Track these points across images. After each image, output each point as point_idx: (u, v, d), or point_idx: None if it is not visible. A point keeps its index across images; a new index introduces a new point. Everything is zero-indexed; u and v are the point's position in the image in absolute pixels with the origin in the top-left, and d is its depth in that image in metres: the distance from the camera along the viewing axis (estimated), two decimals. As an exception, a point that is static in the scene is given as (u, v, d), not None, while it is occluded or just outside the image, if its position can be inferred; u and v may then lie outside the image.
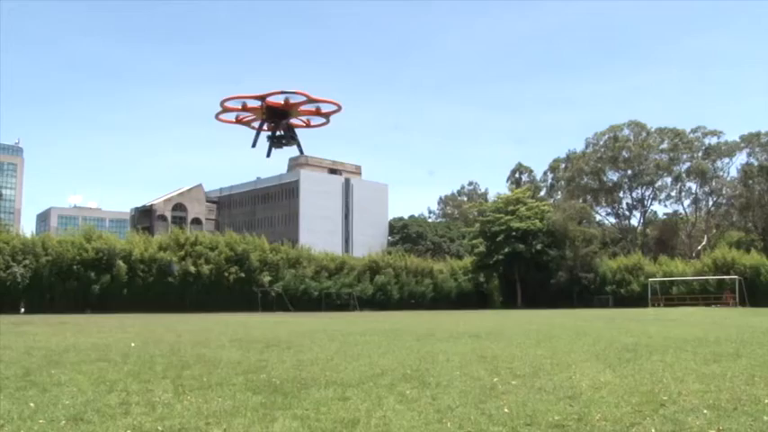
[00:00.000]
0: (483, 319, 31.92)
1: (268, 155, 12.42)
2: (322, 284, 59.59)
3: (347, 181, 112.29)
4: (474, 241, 72.02)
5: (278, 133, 12.21)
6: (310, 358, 12.11)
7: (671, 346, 14.48)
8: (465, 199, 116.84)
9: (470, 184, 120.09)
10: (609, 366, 10.74)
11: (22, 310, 43.06)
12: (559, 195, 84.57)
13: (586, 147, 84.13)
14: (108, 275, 49.25)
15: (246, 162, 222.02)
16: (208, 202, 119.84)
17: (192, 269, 53.19)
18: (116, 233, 71.16)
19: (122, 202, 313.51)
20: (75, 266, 48.29)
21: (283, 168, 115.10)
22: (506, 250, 64.79)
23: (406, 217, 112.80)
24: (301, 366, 10.80)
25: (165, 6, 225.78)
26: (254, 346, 14.89)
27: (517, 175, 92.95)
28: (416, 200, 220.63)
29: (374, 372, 10.08)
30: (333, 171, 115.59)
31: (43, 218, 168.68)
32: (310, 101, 11.77)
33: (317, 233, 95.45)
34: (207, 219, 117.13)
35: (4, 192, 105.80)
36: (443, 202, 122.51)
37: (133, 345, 15.05)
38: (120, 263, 49.97)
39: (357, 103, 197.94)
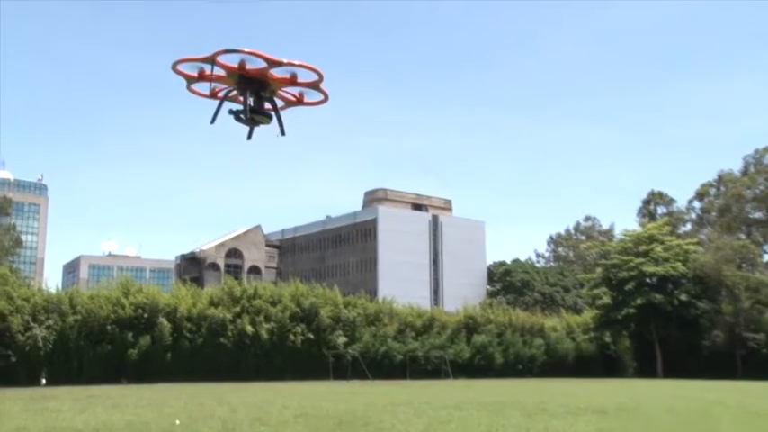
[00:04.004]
0: (610, 391, 30.99)
1: (249, 137, 12.74)
2: (407, 346, 59.21)
3: (435, 218, 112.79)
4: (596, 291, 70.66)
5: (248, 103, 12.39)
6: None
7: None
8: (582, 238, 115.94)
9: (587, 219, 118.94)
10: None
11: (44, 381, 43.67)
12: (710, 230, 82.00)
13: (745, 167, 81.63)
14: (148, 337, 49.63)
15: (313, 198, 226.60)
16: (267, 246, 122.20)
17: (250, 329, 53.55)
18: (158, 285, 72.37)
19: (165, 249, 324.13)
20: (108, 326, 48.68)
21: (357, 204, 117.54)
22: (639, 302, 63.15)
23: (508, 261, 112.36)
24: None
25: (212, 29, 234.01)
26: (323, 422, 14.81)
27: (651, 206, 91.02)
28: (520, 240, 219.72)
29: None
30: (417, 207, 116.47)
31: (71, 268, 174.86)
32: (271, 63, 11.90)
33: (400, 282, 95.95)
34: (267, 267, 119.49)
35: (24, 238, 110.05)
36: (554, 241, 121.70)
37: (178, 422, 15.18)
38: (163, 321, 50.45)
39: (438, 125, 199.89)
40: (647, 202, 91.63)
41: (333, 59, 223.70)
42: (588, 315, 71.30)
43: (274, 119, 12.79)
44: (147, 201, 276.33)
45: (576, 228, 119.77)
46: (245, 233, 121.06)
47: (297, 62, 12.10)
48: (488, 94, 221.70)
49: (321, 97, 12.96)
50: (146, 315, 50.08)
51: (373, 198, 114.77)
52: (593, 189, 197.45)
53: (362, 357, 55.71)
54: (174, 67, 12.42)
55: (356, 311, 59.04)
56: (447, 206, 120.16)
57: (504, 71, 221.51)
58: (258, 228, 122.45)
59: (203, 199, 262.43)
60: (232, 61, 12.02)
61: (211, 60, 12.04)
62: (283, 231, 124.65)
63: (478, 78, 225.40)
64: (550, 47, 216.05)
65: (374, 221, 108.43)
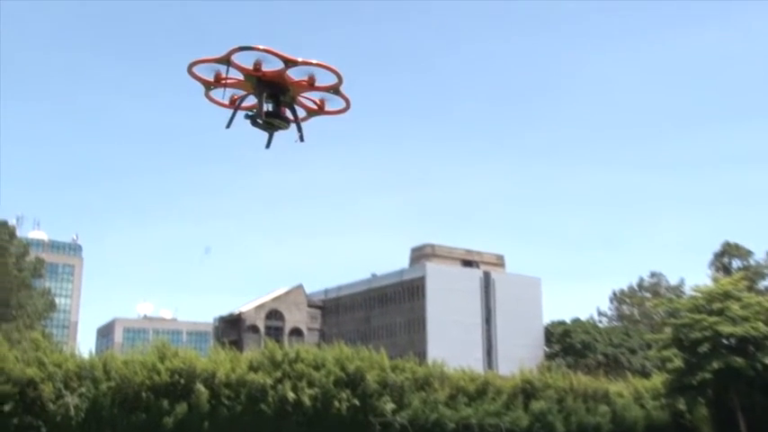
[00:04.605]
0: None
1: (267, 145, 12.89)
2: (459, 413, 57.70)
3: (487, 275, 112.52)
4: (665, 353, 67.72)
5: (265, 108, 12.55)
6: None
7: None
8: (647, 295, 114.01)
9: (653, 275, 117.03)
10: None
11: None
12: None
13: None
14: (185, 404, 49.11)
15: (357, 255, 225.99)
16: (310, 307, 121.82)
17: (291, 395, 52.68)
18: (196, 349, 72.11)
19: (203, 311, 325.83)
20: (143, 393, 48.40)
21: (404, 261, 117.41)
22: (716, 366, 60.48)
23: (567, 320, 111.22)
24: None
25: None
26: None
27: (725, 260, 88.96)
28: (580, 297, 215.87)
29: None
30: (468, 263, 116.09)
31: (105, 332, 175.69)
32: (287, 62, 12.05)
33: (451, 344, 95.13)
34: (309, 328, 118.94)
35: (58, 301, 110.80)
36: (617, 299, 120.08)
37: None
38: (201, 388, 49.90)
39: (488, 175, 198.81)
40: (720, 255, 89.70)
41: (378, 109, 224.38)
42: (658, 379, 68.69)
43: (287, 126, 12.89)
44: (184, 260, 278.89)
45: (641, 284, 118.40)
46: (287, 293, 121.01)
47: (314, 61, 12.22)
48: (543, 142, 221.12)
49: (342, 104, 13.10)
50: (182, 381, 49.64)
51: (420, 254, 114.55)
52: (659, 242, 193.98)
53: (411, 425, 54.48)
54: (189, 70, 12.59)
55: (404, 376, 57.86)
56: (499, 262, 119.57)
57: (560, 117, 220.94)
58: (300, 287, 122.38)
59: (242, 257, 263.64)
60: (247, 62, 12.21)
61: (226, 60, 12.21)
62: (326, 291, 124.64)
63: (532, 125, 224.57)
64: (611, 91, 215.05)
65: (422, 279, 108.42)
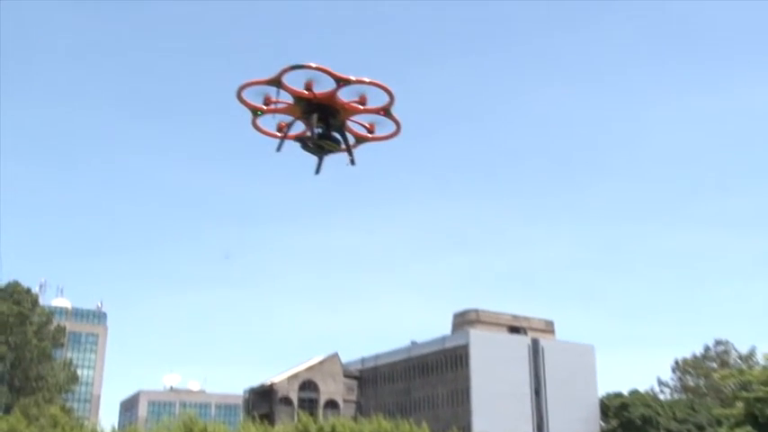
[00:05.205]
0: None
1: (317, 171, 13.57)
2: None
3: (535, 342, 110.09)
4: (738, 430, 66.48)
5: (315, 131, 13.21)
6: None
7: None
8: (714, 365, 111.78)
9: (719, 342, 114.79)
10: None
11: None
12: None
13: None
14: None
15: (396, 321, 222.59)
16: (346, 377, 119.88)
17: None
18: (225, 423, 71.16)
19: (232, 382, 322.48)
20: None
21: (446, 328, 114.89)
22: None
23: (624, 392, 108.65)
24: None
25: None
26: None
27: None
28: (638, 367, 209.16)
29: None
30: (515, 329, 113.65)
31: (129, 405, 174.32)
32: (340, 81, 12.43)
33: (498, 417, 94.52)
34: (345, 400, 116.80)
35: (80, 372, 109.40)
36: (680, 369, 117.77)
37: None
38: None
39: (536, 236, 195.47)
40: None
41: (421, 164, 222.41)
42: (731, 460, 66.50)
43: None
44: (213, 328, 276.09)
45: (707, 353, 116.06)
46: (321, 363, 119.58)
47: (367, 80, 12.67)
48: (603, 200, 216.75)
49: (393, 128, 13.72)
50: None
51: (464, 320, 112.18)
52: (727, 307, 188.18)
53: None
54: (238, 95, 13.13)
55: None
56: (549, 328, 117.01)
57: (625, 173, 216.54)
58: (335, 356, 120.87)
59: (274, 324, 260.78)
60: (297, 83, 12.80)
61: (277, 82, 12.88)
62: (363, 360, 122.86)
63: (594, 182, 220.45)
64: (680, 144, 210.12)
65: (466, 347, 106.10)
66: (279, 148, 13.75)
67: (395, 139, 13.95)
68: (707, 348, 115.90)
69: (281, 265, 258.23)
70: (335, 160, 13.94)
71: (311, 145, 13.32)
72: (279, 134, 13.82)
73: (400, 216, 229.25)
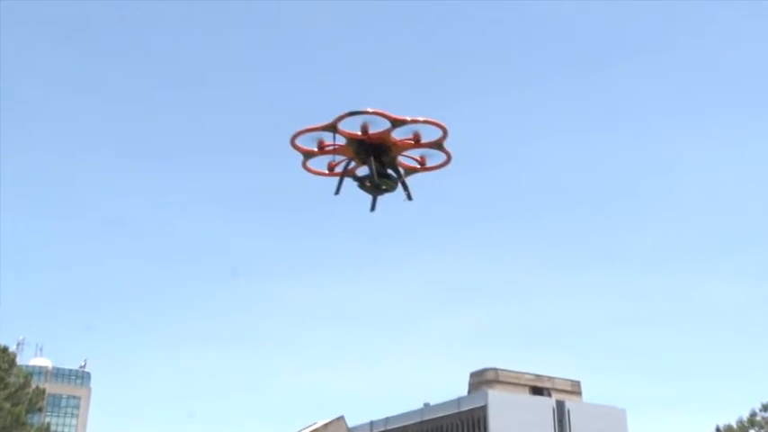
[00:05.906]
0: None
1: (372, 208, 14.80)
2: None
3: (560, 405, 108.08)
4: None
5: (372, 170, 14.21)
6: None
7: None
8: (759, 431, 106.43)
9: (766, 408, 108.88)
10: None
11: None
12: None
13: None
14: None
15: (407, 381, 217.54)
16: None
17: None
18: None
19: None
20: None
21: (462, 389, 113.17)
22: None
23: None
24: None
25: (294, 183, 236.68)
26: None
27: None
28: (672, 430, 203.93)
29: None
30: (537, 390, 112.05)
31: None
32: (396, 122, 13.90)
33: None
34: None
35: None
36: None
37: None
38: None
39: (561, 289, 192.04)
40: None
41: (436, 213, 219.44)
42: None
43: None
44: (210, 390, 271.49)
45: (752, 418, 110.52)
46: (326, 426, 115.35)
47: (421, 118, 14.05)
48: (627, 248, 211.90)
49: (443, 158, 14.83)
50: None
51: (481, 380, 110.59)
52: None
53: None
54: (292, 142, 14.52)
55: None
56: (575, 389, 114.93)
57: (664, 221, 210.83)
58: (341, 419, 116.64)
59: (274, 385, 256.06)
60: (350, 126, 14.04)
61: (333, 128, 14.09)
62: (372, 423, 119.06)
63: (630, 231, 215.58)
64: (724, 189, 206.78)
65: (484, 409, 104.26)
66: (338, 191, 14.61)
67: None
68: (753, 413, 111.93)
69: (281, 321, 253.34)
70: (354, 206, 15.20)
71: (369, 184, 14.12)
72: (337, 173, 14.64)
73: (413, 268, 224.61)
